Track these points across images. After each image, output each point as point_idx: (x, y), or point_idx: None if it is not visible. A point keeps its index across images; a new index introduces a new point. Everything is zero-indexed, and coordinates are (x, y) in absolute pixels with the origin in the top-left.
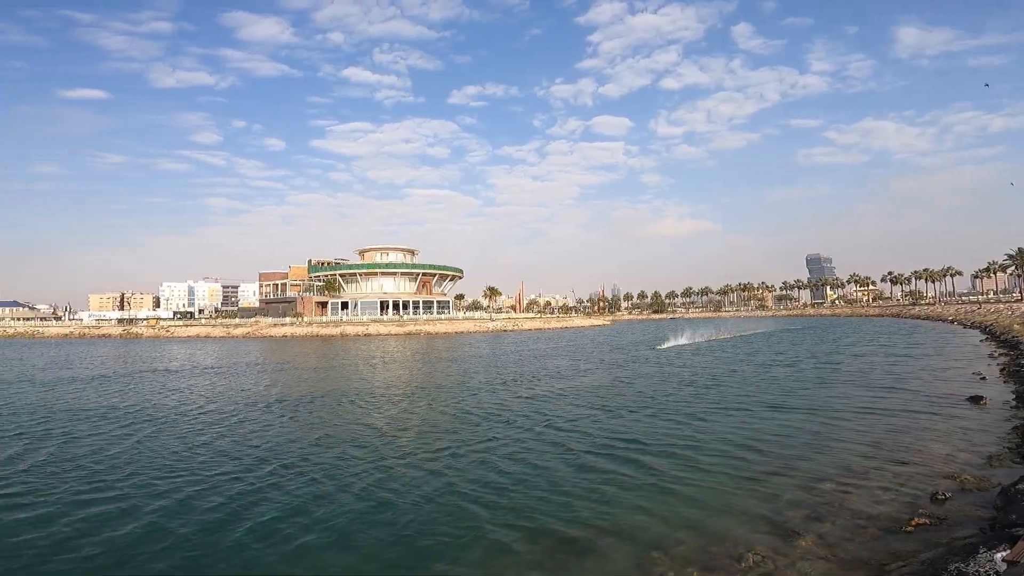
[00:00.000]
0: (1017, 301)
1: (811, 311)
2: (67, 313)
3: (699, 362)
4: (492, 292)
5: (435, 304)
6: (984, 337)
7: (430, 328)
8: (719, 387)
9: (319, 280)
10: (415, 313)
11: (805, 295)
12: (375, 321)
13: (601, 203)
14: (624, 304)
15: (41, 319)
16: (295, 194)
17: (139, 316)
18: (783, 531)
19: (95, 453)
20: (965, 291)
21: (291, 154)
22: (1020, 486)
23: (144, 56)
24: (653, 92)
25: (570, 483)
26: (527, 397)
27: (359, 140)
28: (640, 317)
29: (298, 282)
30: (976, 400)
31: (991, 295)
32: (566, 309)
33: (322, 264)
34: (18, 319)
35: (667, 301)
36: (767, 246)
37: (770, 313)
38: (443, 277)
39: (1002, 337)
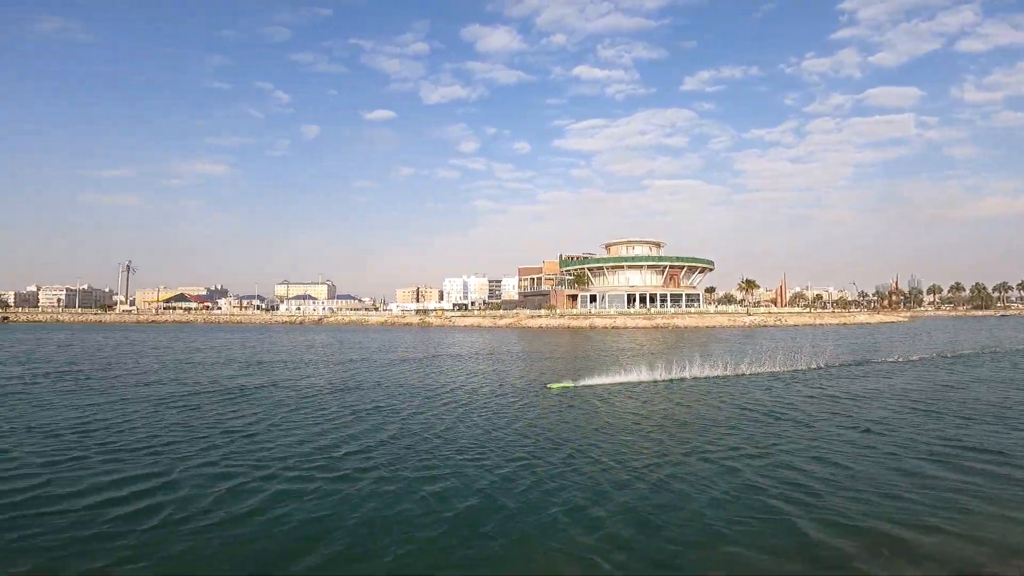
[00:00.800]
0: None
1: None
2: (382, 305)
3: None
4: (748, 284)
5: (683, 297)
6: None
7: (679, 321)
8: None
9: (569, 274)
10: (662, 306)
11: None
12: (622, 314)
13: (886, 183)
14: (928, 298)
15: (365, 310)
16: (542, 192)
17: (429, 307)
18: None
19: (426, 430)
20: None
21: (537, 155)
22: None
23: (414, 75)
24: (949, 56)
25: (897, 486)
26: (813, 396)
27: (596, 136)
28: (953, 313)
29: (551, 276)
30: None
31: None
32: (843, 303)
33: (571, 259)
34: (351, 310)
35: (995, 294)
36: None
37: None
38: (691, 269)
39: None
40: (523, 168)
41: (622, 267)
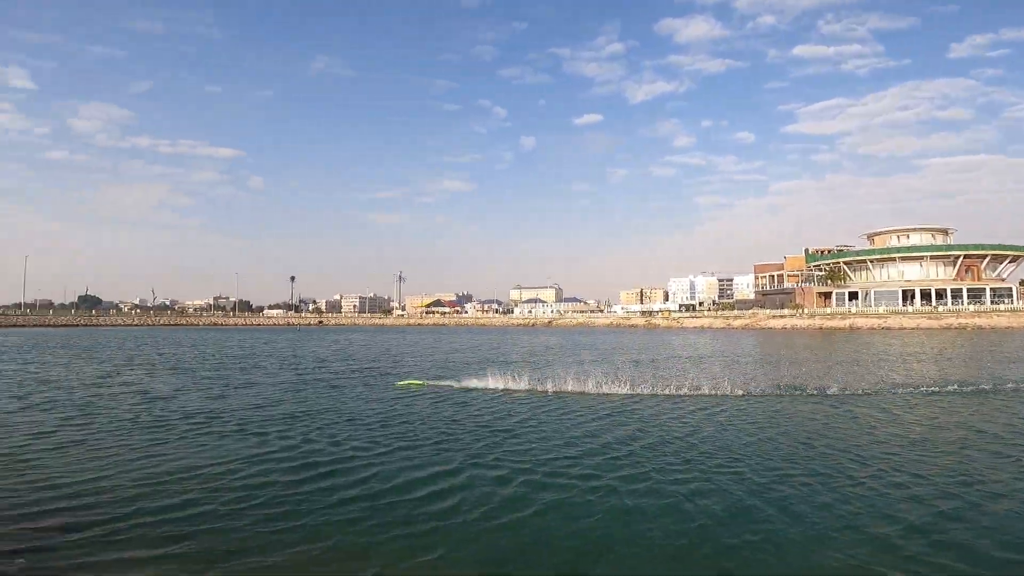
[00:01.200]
0: None
1: None
2: (606, 307)
3: None
4: None
5: (987, 292)
6: None
7: (980, 321)
8: None
9: (819, 269)
10: (954, 303)
11: None
12: (895, 313)
13: None
14: None
15: (591, 312)
16: (775, 183)
17: (654, 308)
18: None
19: (689, 436)
20: None
21: (764, 143)
22: None
23: (615, 77)
24: None
25: None
26: None
27: (837, 117)
28: None
29: (795, 272)
30: None
31: None
32: None
33: (821, 252)
34: (577, 312)
35: None
36: None
37: None
38: (998, 258)
39: None
40: (749, 159)
41: (892, 259)
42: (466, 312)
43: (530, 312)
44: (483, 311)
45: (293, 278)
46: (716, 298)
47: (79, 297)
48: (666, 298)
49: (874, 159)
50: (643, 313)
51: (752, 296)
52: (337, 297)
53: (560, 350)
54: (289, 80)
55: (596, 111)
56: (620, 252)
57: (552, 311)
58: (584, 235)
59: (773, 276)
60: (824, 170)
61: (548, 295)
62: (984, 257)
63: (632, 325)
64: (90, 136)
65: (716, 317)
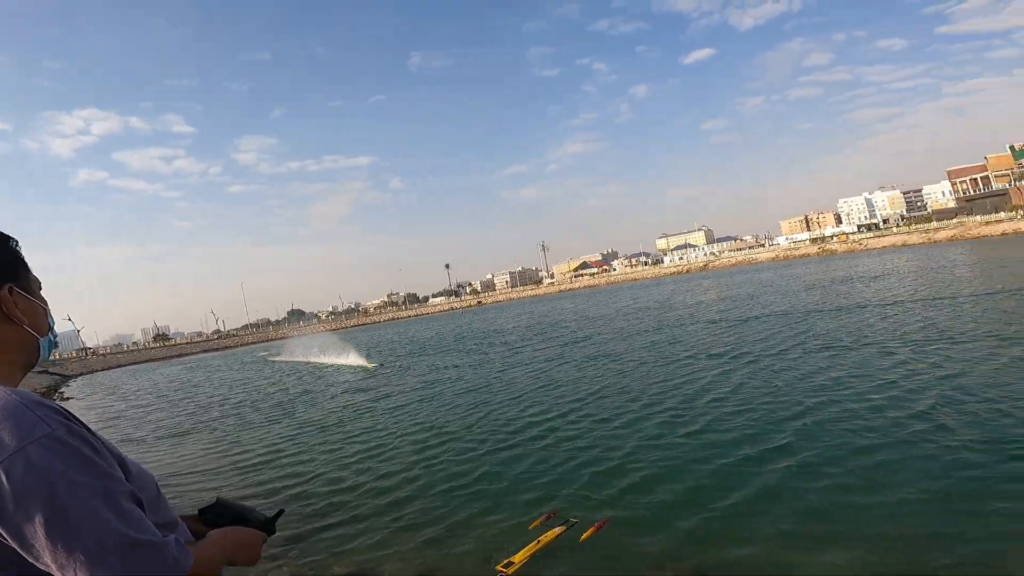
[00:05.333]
0: None
1: None
2: (767, 240)
3: None
4: None
5: None
6: None
7: None
8: None
9: None
10: None
11: None
12: None
13: None
14: None
15: (749, 248)
16: (949, 84)
17: (826, 234)
18: None
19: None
20: None
21: (921, 47)
22: None
23: (715, 7)
24: None
25: None
26: None
27: (1003, 11)
28: None
29: (1003, 172)
30: None
31: None
32: None
33: None
34: (735, 251)
35: None
36: None
37: None
38: None
39: None
40: (909, 64)
41: None
42: (614, 270)
43: (681, 259)
44: (632, 265)
45: (448, 265)
46: (903, 212)
47: (288, 312)
48: (838, 221)
49: None
50: (813, 240)
51: (952, 205)
52: (489, 276)
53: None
54: (394, 80)
55: (704, 46)
56: (771, 183)
57: (706, 253)
58: (727, 172)
59: (976, 180)
60: (1010, 65)
61: (697, 238)
62: None
63: (803, 255)
64: (254, 166)
65: (911, 232)
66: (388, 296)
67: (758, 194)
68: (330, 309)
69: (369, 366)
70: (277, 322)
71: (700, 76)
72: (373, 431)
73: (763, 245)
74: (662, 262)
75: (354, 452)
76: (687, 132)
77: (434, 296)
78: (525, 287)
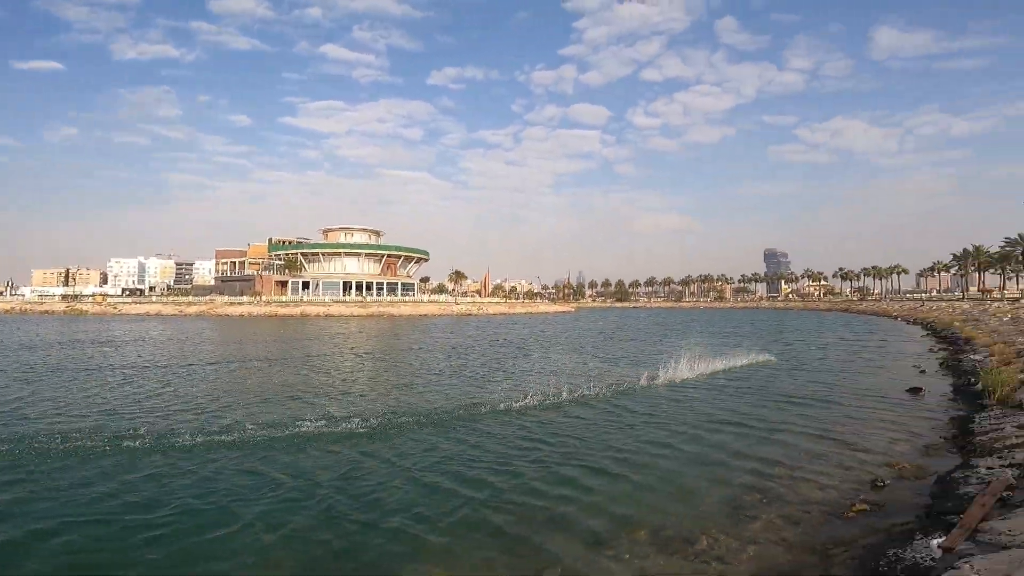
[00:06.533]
0: (959, 300)
1: (766, 304)
2: (8, 288)
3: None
4: (457, 276)
5: (399, 286)
6: (925, 333)
7: (393, 310)
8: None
9: (279, 259)
10: (379, 295)
11: (761, 288)
12: (337, 302)
13: (576, 191)
14: (588, 292)
15: None
16: (261, 171)
17: (84, 292)
18: (735, 515)
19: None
20: (909, 289)
21: (258, 130)
22: (955, 475)
23: (107, 27)
24: (633, 82)
25: (517, 472)
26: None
27: (332, 118)
28: (604, 305)
29: (257, 260)
30: (915, 392)
31: (934, 293)
32: (531, 295)
33: (284, 243)
34: None
35: (630, 290)
36: (731, 240)
37: (728, 305)
38: (408, 259)
39: (942, 333)
40: (239, 142)
41: (339, 254)
42: None
43: None
44: None
45: None
46: (171, 283)
47: None
48: (104, 281)
49: (348, 162)
50: (65, 297)
51: (212, 282)
52: None
53: None
54: None
55: (58, 59)
56: (49, 225)
57: None
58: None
59: (235, 263)
60: (308, 166)
61: None
62: (399, 257)
63: (47, 311)
64: None
65: (167, 303)
66: None
67: (23, 235)
68: None
69: None
70: None
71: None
72: None
73: (2, 293)
74: None
75: None
76: None
77: None
78: None
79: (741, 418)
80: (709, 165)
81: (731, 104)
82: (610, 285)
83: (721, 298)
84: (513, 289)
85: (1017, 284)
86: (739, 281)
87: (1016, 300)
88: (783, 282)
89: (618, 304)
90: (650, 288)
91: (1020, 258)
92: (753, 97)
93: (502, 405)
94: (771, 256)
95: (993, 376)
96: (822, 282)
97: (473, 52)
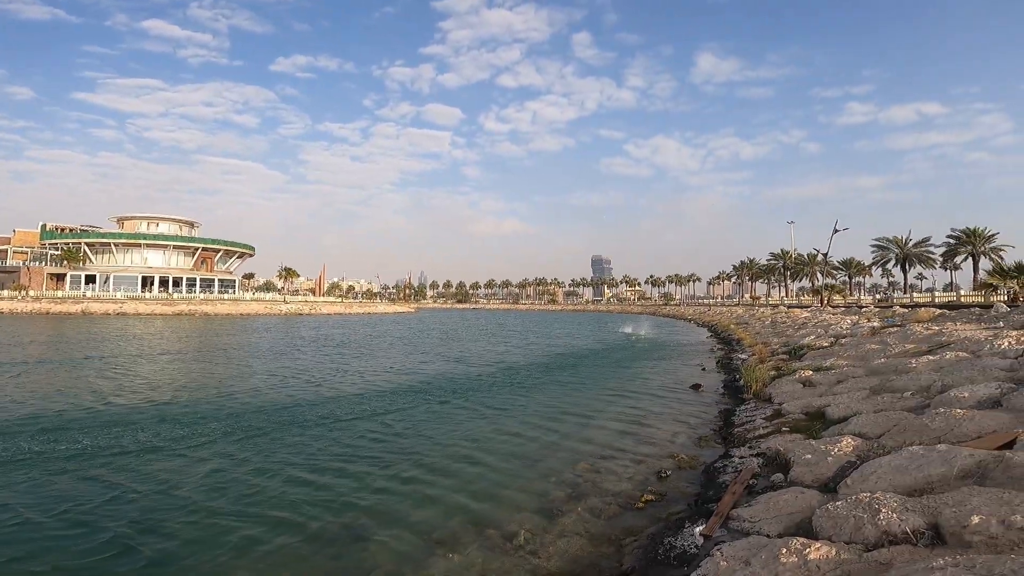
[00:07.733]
0: (736, 305)
1: (591, 307)
2: None
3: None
4: (288, 273)
5: (216, 283)
6: (709, 334)
7: (208, 308)
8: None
9: (55, 249)
10: (190, 291)
11: (588, 292)
12: (134, 299)
13: (421, 191)
14: (430, 292)
15: None
16: (37, 148)
17: None
18: (548, 510)
19: None
20: (702, 295)
21: (41, 104)
22: (717, 464)
23: None
24: (489, 87)
25: (330, 477)
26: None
27: (143, 98)
28: (445, 306)
29: (24, 249)
30: (696, 387)
31: (719, 299)
32: (371, 294)
33: (62, 230)
34: None
35: (471, 292)
36: (564, 245)
37: (559, 307)
38: (228, 253)
39: (722, 335)
40: (14, 117)
41: (139, 245)
42: None
43: None
44: None
45: None
46: None
47: None
48: None
49: (158, 145)
50: None
51: None
52: None
53: None
54: None
55: None
56: None
57: None
58: None
59: None
60: (103, 147)
61: None
62: (218, 251)
63: None
64: None
65: None
66: None
67: None
68: None
69: None
70: None
71: None
72: None
73: None
74: None
75: None
76: None
77: None
78: None
79: (557, 413)
80: (549, 173)
81: (574, 116)
82: (451, 286)
83: (554, 301)
84: (351, 288)
85: (779, 292)
86: (569, 285)
87: (775, 306)
88: (606, 287)
89: (458, 305)
90: (490, 290)
91: (781, 270)
92: (593, 110)
93: (314, 410)
94: (597, 262)
95: (751, 373)
96: (637, 287)
97: (328, 41)
